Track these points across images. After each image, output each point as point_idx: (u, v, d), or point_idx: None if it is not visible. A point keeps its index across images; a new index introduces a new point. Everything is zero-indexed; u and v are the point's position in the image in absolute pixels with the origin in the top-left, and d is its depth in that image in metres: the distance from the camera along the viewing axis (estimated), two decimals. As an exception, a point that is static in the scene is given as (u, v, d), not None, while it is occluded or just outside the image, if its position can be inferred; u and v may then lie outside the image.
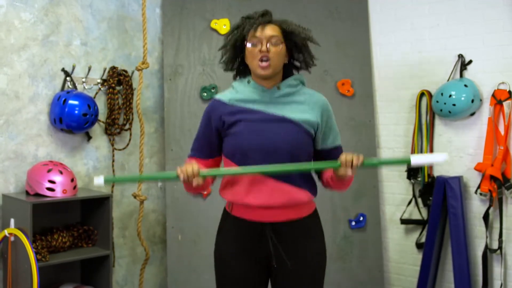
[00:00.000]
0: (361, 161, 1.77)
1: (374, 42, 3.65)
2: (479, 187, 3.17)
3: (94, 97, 3.25)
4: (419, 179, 3.45)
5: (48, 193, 2.79)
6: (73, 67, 3.17)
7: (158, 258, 3.69)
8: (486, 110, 3.21)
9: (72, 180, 2.89)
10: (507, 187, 3.07)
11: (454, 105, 3.19)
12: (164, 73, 3.53)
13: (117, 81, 3.34)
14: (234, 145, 1.90)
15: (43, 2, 3.05)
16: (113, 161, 3.38)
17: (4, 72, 2.91)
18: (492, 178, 3.10)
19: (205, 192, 3.35)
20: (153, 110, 3.65)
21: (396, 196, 3.60)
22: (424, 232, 3.41)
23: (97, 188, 3.31)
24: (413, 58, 3.50)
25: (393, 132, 3.60)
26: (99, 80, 3.31)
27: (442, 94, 3.24)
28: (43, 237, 2.83)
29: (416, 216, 3.51)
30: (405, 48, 3.53)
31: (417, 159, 1.81)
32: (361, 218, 3.51)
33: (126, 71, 3.38)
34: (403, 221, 3.53)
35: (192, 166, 1.80)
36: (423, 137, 3.45)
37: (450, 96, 3.19)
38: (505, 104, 3.11)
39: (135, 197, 3.31)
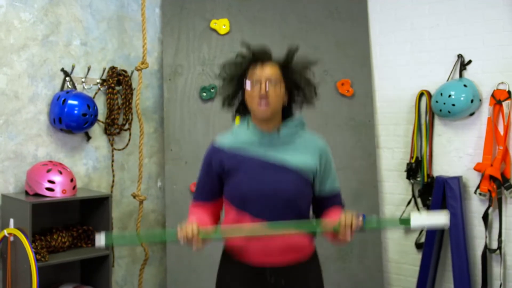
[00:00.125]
0: (360, 224, 1.78)
1: (374, 42, 3.65)
2: (478, 187, 3.17)
3: (94, 97, 3.25)
4: (419, 179, 3.45)
5: (48, 193, 2.78)
6: (73, 67, 3.17)
7: (157, 258, 3.69)
8: (485, 110, 3.20)
9: (72, 180, 2.89)
10: (507, 187, 3.07)
11: (453, 105, 3.19)
12: (164, 73, 3.53)
13: (117, 81, 3.34)
14: (234, 194, 1.90)
15: (43, 2, 3.05)
16: (112, 161, 3.38)
17: (3, 72, 2.91)
18: (492, 178, 3.10)
19: None
20: (153, 110, 3.65)
21: (395, 196, 3.60)
22: (424, 232, 3.41)
23: (96, 188, 3.31)
24: (413, 58, 3.50)
25: (392, 132, 3.60)
26: (98, 80, 3.31)
27: (441, 94, 3.24)
28: (43, 237, 2.83)
29: (415, 216, 3.50)
30: (405, 48, 3.53)
31: (417, 221, 1.79)
32: (361, 218, 3.51)
33: (125, 71, 3.38)
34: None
35: (192, 228, 1.78)
36: (423, 137, 3.45)
37: (449, 96, 3.19)
38: (504, 104, 3.11)
39: (134, 197, 3.31)
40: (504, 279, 3.15)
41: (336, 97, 3.53)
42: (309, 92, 1.94)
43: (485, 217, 3.17)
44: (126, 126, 3.40)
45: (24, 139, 3.00)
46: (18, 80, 2.97)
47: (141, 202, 3.30)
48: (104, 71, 3.33)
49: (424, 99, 3.45)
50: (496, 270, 3.19)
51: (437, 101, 3.27)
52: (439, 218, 1.78)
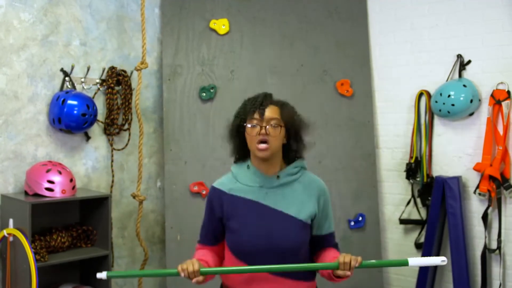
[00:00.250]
0: (359, 263, 1.79)
1: (374, 42, 3.65)
2: (478, 187, 3.18)
3: (93, 97, 3.24)
4: (418, 179, 3.45)
5: (47, 193, 2.78)
6: (72, 67, 3.17)
7: (157, 258, 3.69)
8: (485, 110, 3.21)
9: (71, 180, 2.89)
10: (506, 187, 3.07)
11: (453, 105, 3.19)
12: (163, 73, 3.52)
13: (116, 81, 3.33)
14: (232, 242, 1.93)
15: (42, 2, 3.05)
16: (112, 161, 3.38)
17: (3, 72, 2.91)
18: (491, 178, 3.10)
19: None
20: (152, 110, 3.65)
21: (395, 196, 3.60)
22: (423, 232, 3.41)
23: (96, 188, 3.31)
24: (413, 58, 3.50)
25: (392, 132, 3.60)
26: (98, 80, 3.30)
27: (441, 94, 3.24)
28: (42, 237, 2.83)
29: (415, 216, 3.51)
30: (404, 48, 3.53)
31: (414, 261, 1.82)
32: (360, 218, 3.51)
33: (125, 71, 3.38)
34: (402, 221, 3.53)
35: (193, 265, 1.80)
36: (422, 137, 3.45)
37: (449, 96, 3.20)
38: (504, 104, 3.11)
39: (134, 197, 3.31)
40: (504, 279, 3.15)
41: (335, 97, 3.53)
42: (302, 144, 1.98)
43: (485, 217, 3.17)
44: (126, 126, 3.40)
45: (23, 139, 2.99)
46: (18, 80, 2.97)
47: (140, 202, 3.30)
48: (103, 71, 3.32)
49: (423, 99, 3.45)
50: (495, 270, 3.19)
51: (436, 101, 3.27)
52: (437, 259, 1.82)
